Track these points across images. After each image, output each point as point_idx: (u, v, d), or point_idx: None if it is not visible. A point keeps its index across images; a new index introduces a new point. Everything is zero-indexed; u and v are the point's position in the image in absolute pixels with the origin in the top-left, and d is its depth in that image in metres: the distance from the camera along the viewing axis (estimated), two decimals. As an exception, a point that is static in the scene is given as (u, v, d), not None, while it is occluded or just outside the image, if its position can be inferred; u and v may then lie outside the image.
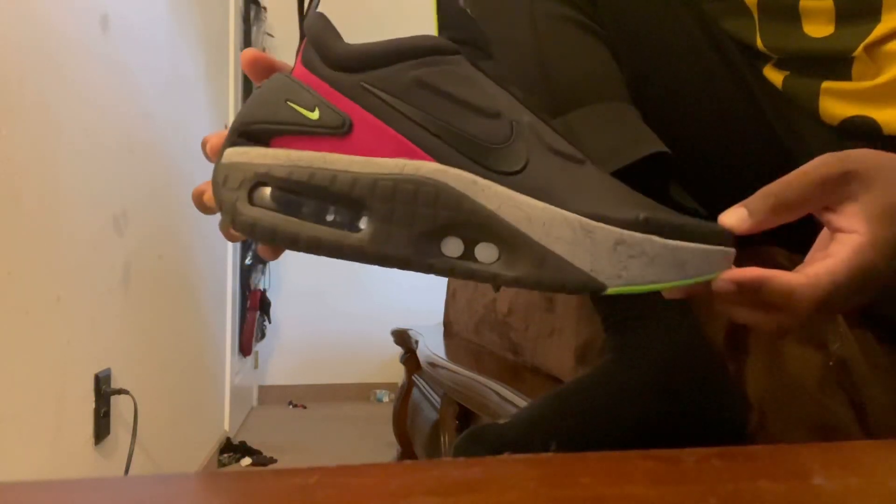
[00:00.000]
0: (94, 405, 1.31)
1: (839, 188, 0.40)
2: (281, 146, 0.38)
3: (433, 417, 1.25)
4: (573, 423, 0.56)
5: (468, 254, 0.37)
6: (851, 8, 0.56)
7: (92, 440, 1.30)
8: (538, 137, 0.38)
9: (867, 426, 0.56)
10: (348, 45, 0.39)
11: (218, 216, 0.40)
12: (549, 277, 0.36)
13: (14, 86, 1.03)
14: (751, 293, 0.39)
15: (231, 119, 2.87)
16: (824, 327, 0.59)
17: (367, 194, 0.36)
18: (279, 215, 0.37)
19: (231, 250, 2.69)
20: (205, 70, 2.26)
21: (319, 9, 0.42)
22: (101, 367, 1.34)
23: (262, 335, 3.30)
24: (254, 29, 3.04)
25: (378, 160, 0.37)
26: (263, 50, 3.17)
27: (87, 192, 1.29)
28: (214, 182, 0.39)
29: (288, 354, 3.54)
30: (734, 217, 0.41)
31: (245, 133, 0.39)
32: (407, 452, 1.50)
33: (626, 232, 0.36)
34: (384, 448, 2.39)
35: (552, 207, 0.36)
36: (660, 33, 0.63)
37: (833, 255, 0.40)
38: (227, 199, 0.38)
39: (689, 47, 0.63)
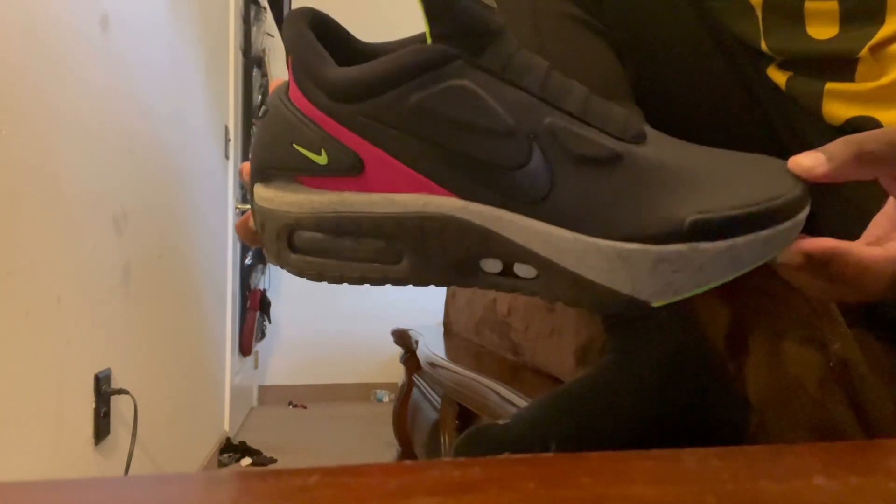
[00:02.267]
0: (94, 405, 1.31)
1: None
2: (304, 184, 0.37)
3: (433, 417, 1.24)
4: (573, 423, 0.56)
5: (508, 271, 0.36)
6: (856, 10, 0.56)
7: (92, 440, 1.30)
8: (562, 146, 0.35)
9: (867, 426, 0.56)
10: (340, 70, 0.36)
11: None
12: (588, 299, 0.35)
13: (14, 85, 1.03)
14: (819, 266, 0.35)
15: (231, 121, 2.85)
16: (824, 327, 0.59)
17: (396, 232, 0.36)
18: (319, 259, 0.37)
19: (231, 250, 2.69)
20: (205, 70, 2.26)
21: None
22: (101, 367, 1.34)
23: (262, 335, 3.30)
24: (254, 29, 3.04)
25: (398, 198, 0.35)
26: (263, 51, 3.17)
27: (87, 192, 1.29)
28: (254, 222, 0.40)
29: (288, 354, 3.55)
30: (810, 158, 0.36)
31: (265, 175, 0.38)
32: (407, 452, 1.50)
33: (665, 249, 0.33)
34: (384, 448, 2.39)
35: (583, 237, 0.34)
36: (664, 33, 0.62)
37: None
38: (270, 249, 0.39)
39: (693, 47, 0.63)
